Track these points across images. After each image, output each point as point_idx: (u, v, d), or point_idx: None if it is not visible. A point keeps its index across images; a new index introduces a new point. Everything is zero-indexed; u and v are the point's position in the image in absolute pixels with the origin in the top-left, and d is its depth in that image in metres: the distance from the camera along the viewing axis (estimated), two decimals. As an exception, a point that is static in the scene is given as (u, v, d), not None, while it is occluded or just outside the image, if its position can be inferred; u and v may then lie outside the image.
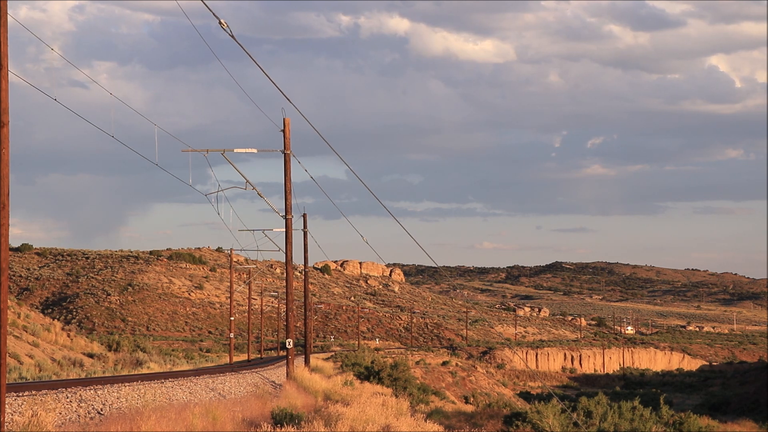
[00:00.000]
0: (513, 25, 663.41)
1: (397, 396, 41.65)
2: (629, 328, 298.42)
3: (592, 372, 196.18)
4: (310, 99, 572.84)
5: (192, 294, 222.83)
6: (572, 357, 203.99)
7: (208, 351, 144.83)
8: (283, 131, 44.35)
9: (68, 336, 73.12)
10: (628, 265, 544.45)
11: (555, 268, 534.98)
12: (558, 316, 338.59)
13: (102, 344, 77.77)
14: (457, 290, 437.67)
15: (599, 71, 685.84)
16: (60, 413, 22.16)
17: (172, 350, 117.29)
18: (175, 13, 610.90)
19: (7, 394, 21.88)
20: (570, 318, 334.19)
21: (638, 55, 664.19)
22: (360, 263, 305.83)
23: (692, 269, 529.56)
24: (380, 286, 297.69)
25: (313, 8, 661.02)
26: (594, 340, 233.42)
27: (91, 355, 68.43)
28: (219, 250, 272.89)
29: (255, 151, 45.28)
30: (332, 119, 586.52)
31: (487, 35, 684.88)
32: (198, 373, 41.64)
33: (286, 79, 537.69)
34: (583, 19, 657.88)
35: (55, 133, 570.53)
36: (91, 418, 22.69)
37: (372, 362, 67.12)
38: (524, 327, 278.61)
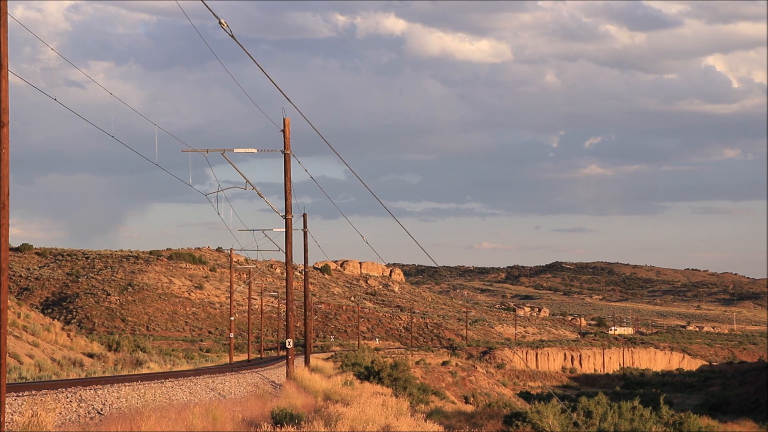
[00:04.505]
0: (509, 25, 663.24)
1: (397, 396, 41.63)
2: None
3: (592, 372, 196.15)
4: (306, 99, 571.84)
5: (192, 294, 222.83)
6: (572, 357, 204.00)
7: (208, 351, 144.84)
8: (283, 131, 44.33)
9: (68, 336, 73.12)
10: (628, 265, 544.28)
11: (555, 268, 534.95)
12: (558, 316, 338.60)
13: (102, 344, 77.77)
14: (457, 290, 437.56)
15: (596, 71, 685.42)
16: (60, 413, 22.16)
17: (172, 350, 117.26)
18: (172, 13, 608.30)
19: (7, 394, 21.88)
20: (570, 318, 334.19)
21: (635, 55, 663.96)
22: (360, 263, 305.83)
23: (692, 269, 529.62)
24: (380, 286, 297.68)
25: (309, 8, 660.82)
26: (594, 339, 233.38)
27: (91, 355, 68.43)
28: (219, 250, 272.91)
29: (255, 151, 45.28)
30: (329, 119, 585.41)
31: (484, 35, 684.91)
32: (198, 373, 41.65)
33: (283, 79, 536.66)
34: (579, 20, 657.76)
35: (52, 133, 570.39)
36: (91, 418, 22.68)
37: (372, 362, 67.08)
38: (524, 327, 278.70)
